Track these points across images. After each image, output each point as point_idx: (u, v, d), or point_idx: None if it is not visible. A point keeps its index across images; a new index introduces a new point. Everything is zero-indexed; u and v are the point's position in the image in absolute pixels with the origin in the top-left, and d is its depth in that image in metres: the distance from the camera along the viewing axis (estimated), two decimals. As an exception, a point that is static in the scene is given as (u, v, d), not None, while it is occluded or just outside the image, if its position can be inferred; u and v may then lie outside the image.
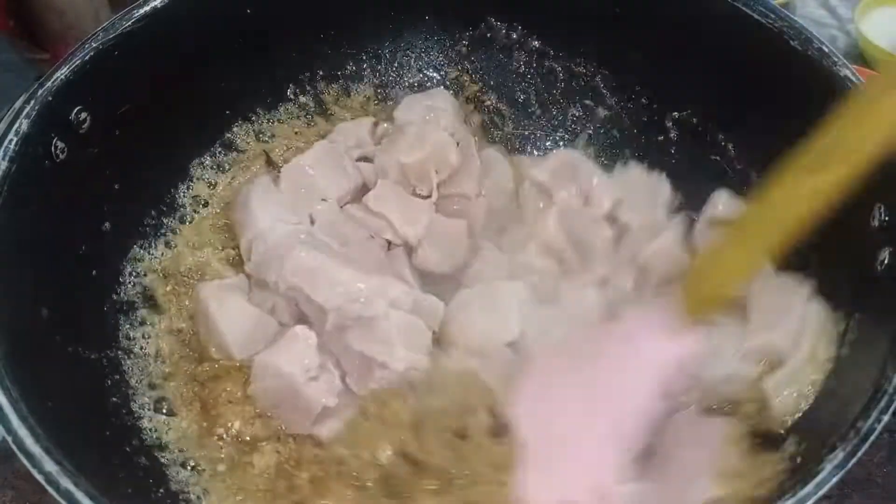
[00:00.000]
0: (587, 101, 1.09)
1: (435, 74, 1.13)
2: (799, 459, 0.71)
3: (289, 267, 0.86)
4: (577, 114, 1.10)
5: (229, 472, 0.84)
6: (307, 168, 0.97)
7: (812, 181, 0.68)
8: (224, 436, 0.86)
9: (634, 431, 0.78)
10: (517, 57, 1.11)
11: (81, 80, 0.83)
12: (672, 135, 1.04)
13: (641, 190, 0.99)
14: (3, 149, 0.75)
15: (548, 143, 1.11)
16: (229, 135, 1.05)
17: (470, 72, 1.12)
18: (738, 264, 0.75)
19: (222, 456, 0.85)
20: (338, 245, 0.91)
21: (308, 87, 1.09)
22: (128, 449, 0.81)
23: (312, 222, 0.94)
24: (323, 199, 0.95)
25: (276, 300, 0.89)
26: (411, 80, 1.13)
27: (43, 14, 1.27)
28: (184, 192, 1.01)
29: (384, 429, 0.82)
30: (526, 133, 1.12)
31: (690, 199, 0.99)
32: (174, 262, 0.97)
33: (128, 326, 0.91)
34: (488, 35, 1.10)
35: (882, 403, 0.64)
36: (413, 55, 1.12)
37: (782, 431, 0.77)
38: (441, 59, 1.12)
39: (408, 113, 1.03)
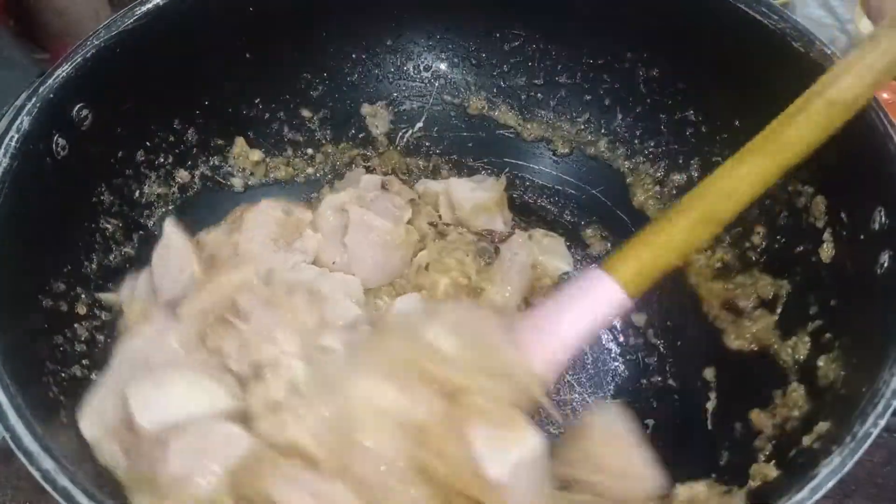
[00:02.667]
0: (591, 101, 1.10)
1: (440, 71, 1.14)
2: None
3: None
4: (583, 115, 1.11)
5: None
6: None
7: (755, 163, 0.73)
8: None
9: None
10: (522, 56, 1.11)
11: (83, 77, 0.83)
12: (671, 135, 1.04)
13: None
14: (4, 146, 0.75)
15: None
16: (231, 132, 1.05)
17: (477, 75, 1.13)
18: (680, 241, 0.77)
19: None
20: None
21: (310, 85, 1.09)
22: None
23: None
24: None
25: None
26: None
27: (43, 14, 1.27)
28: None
29: None
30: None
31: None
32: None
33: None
34: (495, 36, 1.10)
35: (879, 408, 0.64)
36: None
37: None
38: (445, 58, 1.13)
39: None
